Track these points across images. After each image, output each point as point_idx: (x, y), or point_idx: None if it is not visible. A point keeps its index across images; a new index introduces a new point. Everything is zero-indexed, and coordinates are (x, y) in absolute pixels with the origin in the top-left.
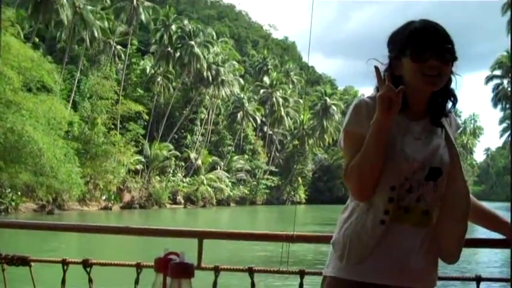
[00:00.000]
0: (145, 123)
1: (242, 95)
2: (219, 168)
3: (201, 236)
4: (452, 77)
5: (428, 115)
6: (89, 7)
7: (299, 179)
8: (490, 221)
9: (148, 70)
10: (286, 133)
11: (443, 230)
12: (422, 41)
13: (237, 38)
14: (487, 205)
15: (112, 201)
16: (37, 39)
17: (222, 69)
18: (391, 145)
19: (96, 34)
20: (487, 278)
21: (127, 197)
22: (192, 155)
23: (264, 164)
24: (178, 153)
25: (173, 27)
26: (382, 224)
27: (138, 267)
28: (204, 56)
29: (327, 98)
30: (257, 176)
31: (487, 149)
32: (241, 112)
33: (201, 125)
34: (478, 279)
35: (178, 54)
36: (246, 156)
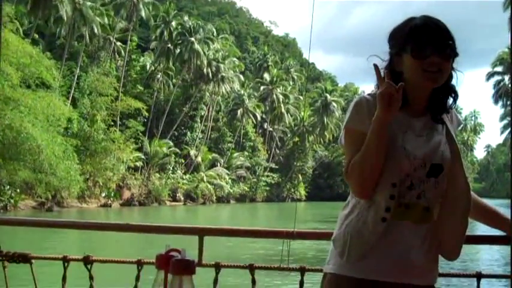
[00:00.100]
0: (145, 120)
1: (242, 92)
2: (219, 165)
3: (201, 232)
4: (453, 73)
5: (429, 112)
6: (89, 3)
7: (299, 176)
8: (490, 217)
9: (148, 67)
10: (286, 130)
11: (444, 226)
12: (423, 37)
13: (238, 35)
14: (487, 202)
15: (111, 199)
16: (36, 36)
17: (222, 65)
18: (392, 142)
19: (95, 30)
20: (488, 275)
21: (126, 194)
22: (192, 152)
23: (264, 161)
24: (178, 150)
25: (173, 23)
26: (383, 221)
27: (139, 264)
28: (204, 53)
29: (328, 95)
30: (257, 173)
31: (488, 146)
32: (241, 109)
33: (201, 122)
34: (479, 276)
35: (178, 50)
36: (246, 153)
